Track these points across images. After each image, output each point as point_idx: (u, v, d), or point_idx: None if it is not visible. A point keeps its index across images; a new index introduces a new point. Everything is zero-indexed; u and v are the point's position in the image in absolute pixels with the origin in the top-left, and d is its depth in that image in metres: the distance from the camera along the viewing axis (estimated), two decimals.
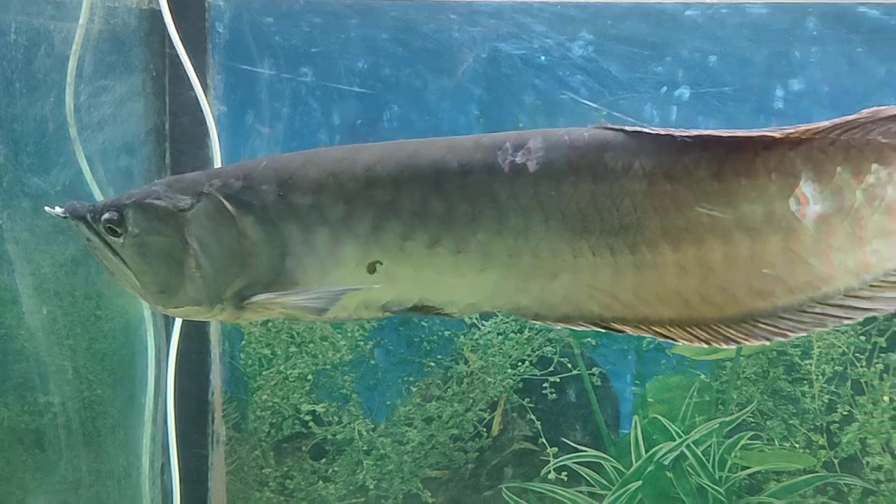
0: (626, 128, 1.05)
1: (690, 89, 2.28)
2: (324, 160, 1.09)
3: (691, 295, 1.04)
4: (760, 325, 1.03)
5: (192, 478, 2.37)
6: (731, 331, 1.04)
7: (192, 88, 2.16)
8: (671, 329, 1.05)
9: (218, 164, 2.16)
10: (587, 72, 2.30)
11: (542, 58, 2.31)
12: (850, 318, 1.02)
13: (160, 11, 2.05)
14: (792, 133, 0.99)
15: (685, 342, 1.05)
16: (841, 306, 1.01)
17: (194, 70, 2.15)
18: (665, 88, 2.29)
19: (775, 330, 1.03)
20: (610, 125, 1.07)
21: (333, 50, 2.34)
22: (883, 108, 0.98)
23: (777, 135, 0.96)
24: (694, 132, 1.04)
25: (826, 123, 0.98)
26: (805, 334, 1.03)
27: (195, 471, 2.39)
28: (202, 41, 2.31)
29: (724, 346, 1.05)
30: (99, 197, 2.06)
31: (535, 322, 1.11)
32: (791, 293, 1.02)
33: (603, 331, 1.07)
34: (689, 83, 2.28)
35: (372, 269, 1.04)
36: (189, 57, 2.15)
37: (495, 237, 1.03)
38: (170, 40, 2.10)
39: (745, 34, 2.24)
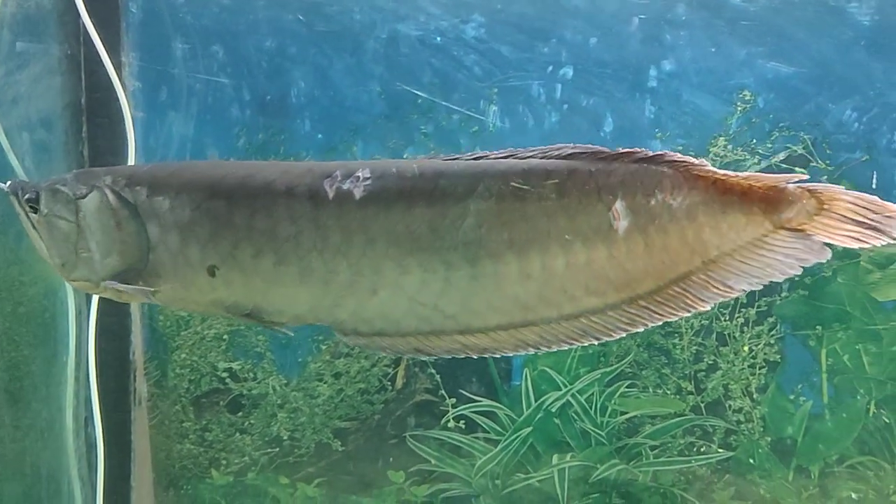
0: (466, 155, 1.16)
1: (573, 69, 2.48)
2: (189, 171, 1.23)
3: (531, 298, 1.14)
4: (593, 321, 1.15)
5: (116, 431, 2.52)
6: (564, 328, 1.14)
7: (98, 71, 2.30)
8: (495, 335, 1.15)
9: (131, 138, 2.30)
10: (480, 52, 2.48)
11: (438, 39, 2.49)
12: (657, 317, 1.14)
13: None
14: (608, 156, 1.13)
15: (508, 351, 1.16)
16: (646, 307, 1.14)
17: (107, 48, 2.28)
18: (551, 68, 2.49)
19: (604, 328, 1.15)
20: (446, 156, 1.19)
21: (242, 30, 2.48)
22: (672, 153, 1.13)
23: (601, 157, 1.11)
24: (531, 157, 1.15)
25: (634, 150, 1.13)
26: (625, 333, 1.14)
27: (119, 425, 2.55)
28: (116, 20, 2.43)
29: (555, 349, 1.16)
30: (18, 169, 2.20)
31: (356, 344, 1.18)
32: (617, 292, 1.14)
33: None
34: (573, 63, 2.48)
35: (212, 272, 1.16)
36: (103, 36, 2.28)
37: (314, 253, 1.12)
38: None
39: (623, 18, 2.44)
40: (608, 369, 2.60)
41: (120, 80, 2.38)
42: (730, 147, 2.46)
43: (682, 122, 2.48)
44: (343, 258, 1.11)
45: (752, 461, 2.58)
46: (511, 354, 1.18)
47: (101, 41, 2.26)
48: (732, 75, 2.44)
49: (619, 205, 1.09)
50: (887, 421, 2.50)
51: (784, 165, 2.47)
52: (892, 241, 0.99)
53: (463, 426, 2.63)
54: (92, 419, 2.41)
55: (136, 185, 1.20)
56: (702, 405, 2.57)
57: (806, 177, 1.08)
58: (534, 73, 2.49)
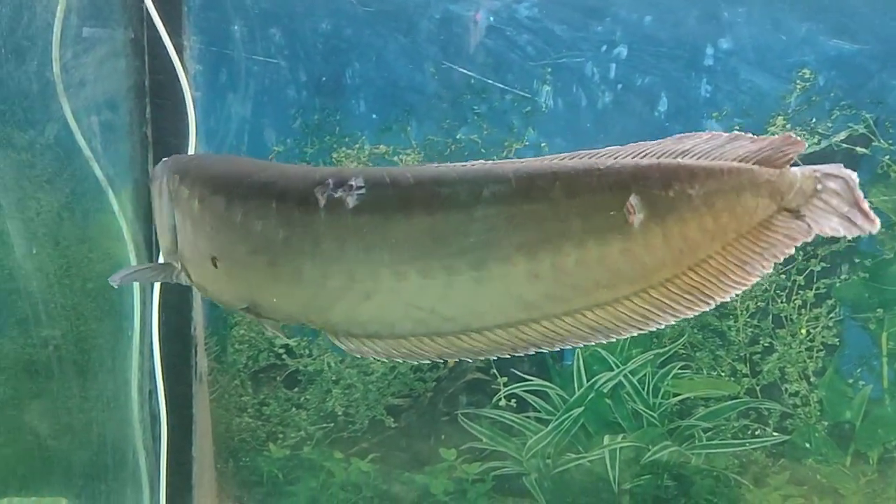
0: (467, 164, 1.12)
1: (628, 47, 2.46)
2: (210, 165, 1.27)
3: (538, 297, 1.10)
4: (600, 315, 1.11)
5: (178, 404, 2.61)
6: (570, 324, 1.11)
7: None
8: (494, 334, 1.11)
9: (192, 120, 2.37)
10: (533, 31, 2.48)
11: (492, 18, 2.49)
12: (671, 311, 1.10)
13: None
14: (621, 154, 1.11)
15: (507, 351, 1.12)
16: (659, 299, 1.11)
17: (169, 32, 2.35)
18: (605, 47, 2.47)
19: (613, 324, 1.11)
20: (442, 165, 1.16)
21: (299, 12, 2.53)
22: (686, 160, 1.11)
23: (611, 159, 1.09)
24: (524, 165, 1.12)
25: (651, 144, 1.12)
26: (636, 332, 1.11)
27: (181, 398, 2.64)
28: (178, 4, 2.49)
29: (558, 347, 1.13)
30: (86, 150, 2.29)
31: (348, 349, 1.15)
32: (630, 283, 1.11)
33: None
34: (627, 42, 2.46)
35: (214, 263, 1.17)
36: (165, 20, 2.35)
37: (306, 258, 1.09)
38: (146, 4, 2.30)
39: None
40: (661, 350, 2.58)
41: (181, 62, 2.45)
42: (788, 127, 2.42)
43: (740, 102, 2.44)
44: (335, 264, 1.08)
45: (808, 446, 2.54)
46: (510, 355, 1.13)
47: (164, 25, 2.33)
48: (792, 53, 2.39)
49: (633, 199, 1.07)
50: None
51: (845, 145, 2.42)
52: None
53: (514, 405, 2.65)
54: (156, 392, 2.49)
55: (175, 173, 1.23)
56: (757, 388, 2.54)
57: (802, 146, 1.06)
58: (587, 52, 2.48)
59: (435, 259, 1.08)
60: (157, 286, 2.42)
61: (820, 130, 2.41)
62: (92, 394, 2.34)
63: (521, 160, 1.13)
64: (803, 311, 2.50)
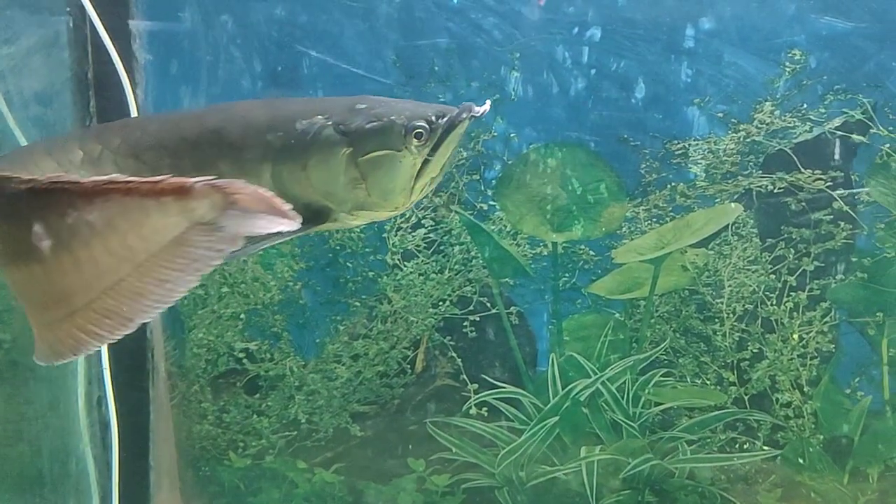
0: None
1: (602, 29, 2.28)
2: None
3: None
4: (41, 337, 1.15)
5: (132, 411, 2.50)
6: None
7: (116, 38, 2.25)
8: None
9: (133, 112, 2.24)
10: (499, 14, 2.31)
11: (455, 0, 2.32)
12: (99, 336, 1.11)
13: None
14: None
15: None
16: (86, 325, 1.12)
17: (118, 21, 2.24)
18: (577, 29, 2.29)
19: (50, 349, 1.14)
20: None
21: None
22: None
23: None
24: None
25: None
26: (73, 357, 1.11)
27: (135, 404, 2.52)
28: None
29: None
30: (21, 139, 2.17)
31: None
32: (57, 307, 1.13)
33: None
34: (600, 23, 2.27)
35: None
36: (113, 8, 2.23)
37: None
38: None
39: None
40: (641, 356, 2.40)
41: (133, 52, 2.33)
42: (777, 113, 2.21)
43: (724, 87, 2.24)
44: None
45: (801, 461, 2.34)
46: None
47: (113, 12, 2.21)
48: (780, 33, 2.19)
49: (36, 227, 1.09)
50: None
51: (840, 133, 2.20)
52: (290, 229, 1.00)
53: (486, 413, 2.49)
54: (105, 398, 2.38)
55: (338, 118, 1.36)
56: (745, 398, 2.35)
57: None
58: (558, 35, 2.29)
59: None
60: None
61: (812, 117, 2.20)
62: (29, 401, 2.23)
63: None
64: (795, 314, 2.29)
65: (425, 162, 1.33)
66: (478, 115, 1.32)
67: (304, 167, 1.35)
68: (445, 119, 1.33)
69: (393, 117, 1.34)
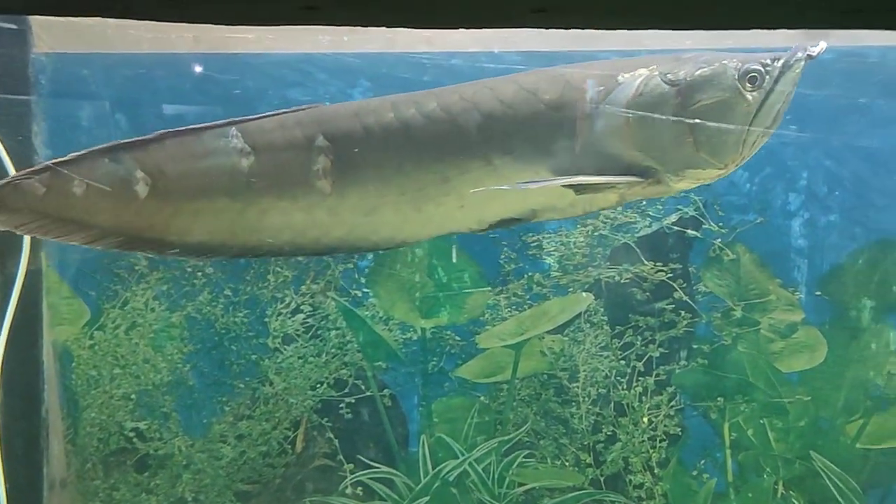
0: None
1: None
2: None
3: None
4: None
5: (25, 488, 2.59)
6: None
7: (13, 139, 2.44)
8: None
9: None
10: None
11: (327, 103, 2.51)
12: None
13: None
14: None
15: None
16: None
17: (18, 119, 2.43)
18: None
19: None
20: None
21: (144, 98, 2.58)
22: None
23: None
24: None
25: None
26: None
27: (27, 481, 2.62)
28: (27, 91, 2.57)
29: None
30: None
31: None
32: None
33: None
34: None
35: None
36: (13, 105, 2.43)
37: None
38: None
39: None
40: (505, 437, 2.51)
41: (33, 148, 2.51)
42: (620, 209, 2.37)
43: None
44: None
45: None
46: None
47: (11, 111, 2.41)
48: None
49: None
50: None
51: (676, 228, 2.36)
52: None
53: (360, 493, 2.58)
54: None
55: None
56: (601, 479, 2.45)
57: None
58: None
59: None
60: None
61: (651, 213, 2.36)
62: None
63: None
64: (644, 398, 2.41)
65: (757, 112, 1.24)
66: (814, 55, 1.23)
67: (626, 122, 1.27)
68: (781, 61, 1.24)
69: (725, 61, 1.25)
